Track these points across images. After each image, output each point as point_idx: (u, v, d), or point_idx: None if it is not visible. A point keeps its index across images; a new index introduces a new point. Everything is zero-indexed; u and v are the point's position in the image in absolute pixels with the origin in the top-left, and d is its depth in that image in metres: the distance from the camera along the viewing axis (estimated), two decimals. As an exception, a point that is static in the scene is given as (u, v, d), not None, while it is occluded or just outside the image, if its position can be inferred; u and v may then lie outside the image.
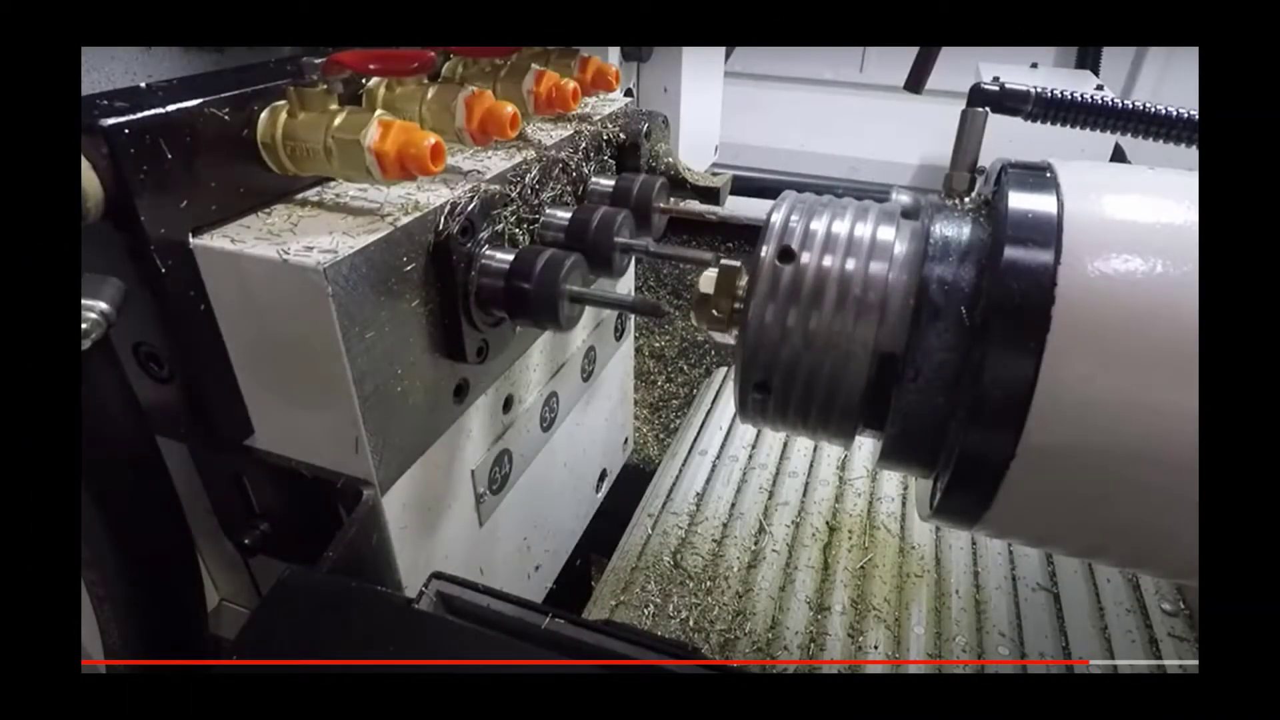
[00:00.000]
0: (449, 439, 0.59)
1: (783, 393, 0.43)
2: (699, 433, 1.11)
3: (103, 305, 0.38)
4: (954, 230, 0.40)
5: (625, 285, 0.86)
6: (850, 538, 0.91)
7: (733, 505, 0.97)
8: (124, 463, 0.44)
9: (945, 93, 2.14)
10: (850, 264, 0.41)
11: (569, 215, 0.61)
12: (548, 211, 0.61)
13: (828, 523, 0.94)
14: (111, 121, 0.38)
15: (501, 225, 0.55)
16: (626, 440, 1.03)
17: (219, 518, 0.59)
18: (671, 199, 0.71)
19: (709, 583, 0.85)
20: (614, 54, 1.08)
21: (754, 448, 1.07)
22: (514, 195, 0.57)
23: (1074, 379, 0.35)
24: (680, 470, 1.04)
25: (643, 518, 0.96)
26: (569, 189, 0.65)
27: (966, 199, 0.43)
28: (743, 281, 0.44)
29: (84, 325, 0.37)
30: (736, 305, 0.44)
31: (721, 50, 1.38)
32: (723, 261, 0.46)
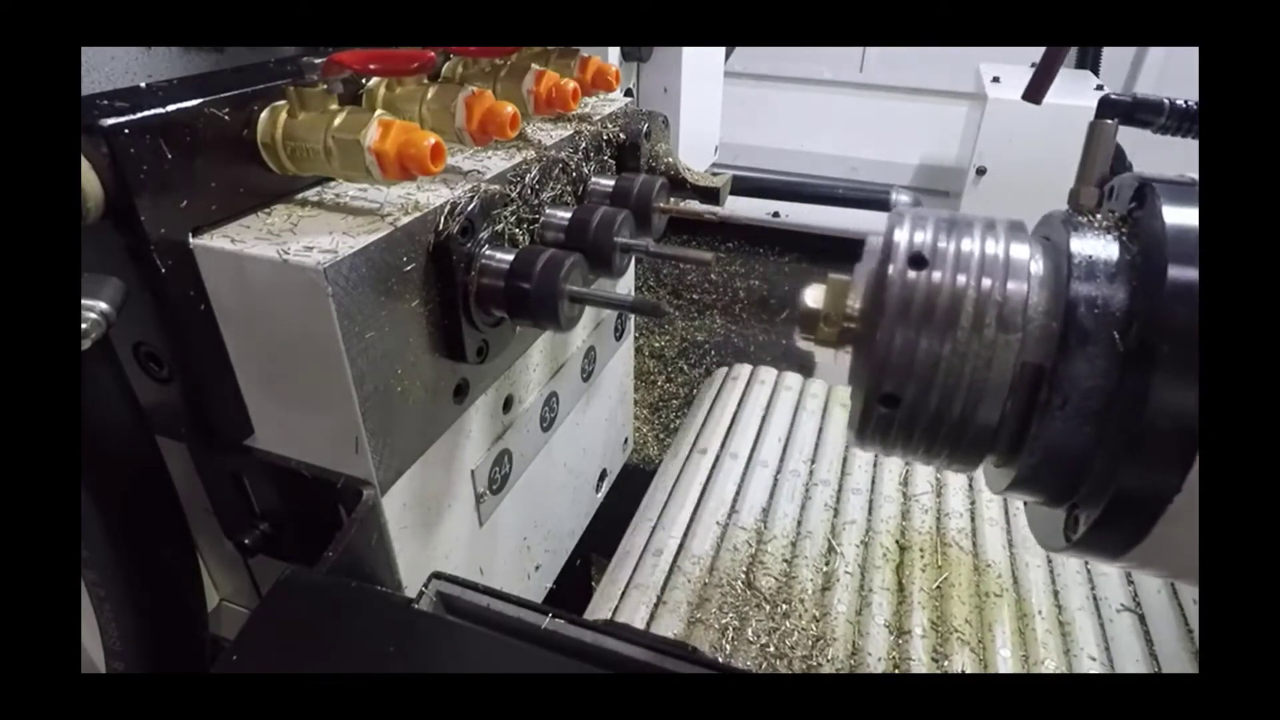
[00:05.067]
0: (449, 439, 0.59)
1: (912, 410, 0.40)
2: (699, 432, 1.10)
3: (103, 305, 0.38)
4: (1098, 248, 0.38)
5: (625, 285, 0.86)
6: (922, 556, 0.87)
7: (799, 523, 0.94)
8: (124, 462, 0.44)
9: (943, 93, 2.14)
10: (986, 282, 0.38)
11: (569, 215, 0.61)
12: (548, 211, 0.61)
13: (897, 541, 0.89)
14: (111, 121, 0.38)
15: (501, 225, 0.55)
16: (626, 440, 1.03)
17: (219, 518, 0.59)
18: (671, 199, 0.71)
19: (785, 606, 0.81)
20: (614, 54, 1.08)
21: (814, 463, 1.03)
22: (514, 195, 0.57)
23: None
24: (681, 471, 1.03)
25: (642, 521, 0.96)
26: (569, 189, 0.65)
27: (1097, 215, 0.40)
28: (851, 297, 0.42)
29: (84, 325, 0.37)
30: (847, 324, 0.42)
31: (721, 50, 1.39)
32: (830, 276, 0.44)
